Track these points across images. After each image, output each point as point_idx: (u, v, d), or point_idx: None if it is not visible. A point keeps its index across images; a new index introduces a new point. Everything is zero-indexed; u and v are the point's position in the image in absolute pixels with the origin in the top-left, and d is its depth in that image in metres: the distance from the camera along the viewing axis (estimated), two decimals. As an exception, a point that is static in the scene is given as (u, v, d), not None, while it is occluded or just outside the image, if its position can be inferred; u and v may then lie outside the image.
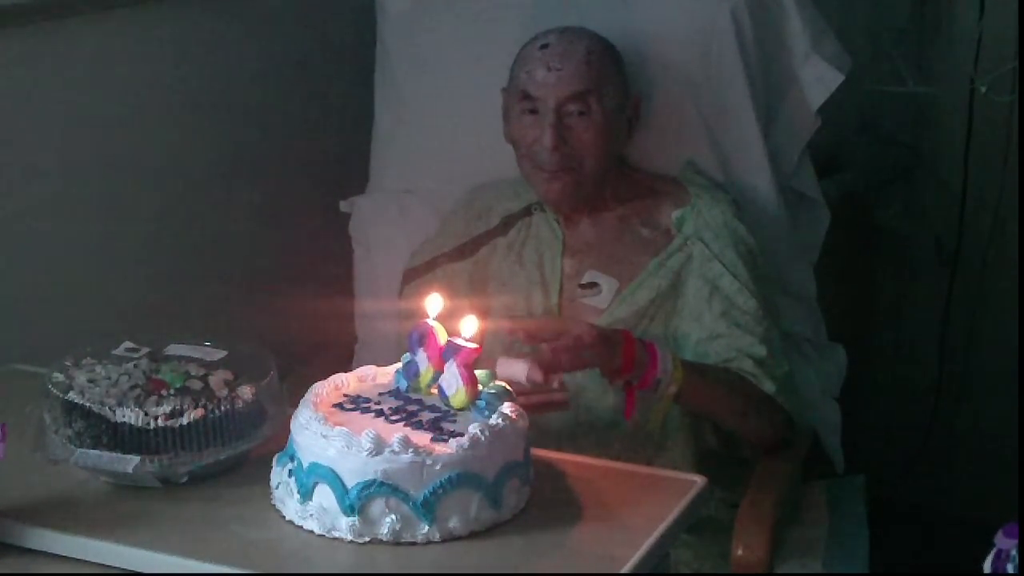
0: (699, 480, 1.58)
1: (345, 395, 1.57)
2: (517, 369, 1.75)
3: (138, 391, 1.56)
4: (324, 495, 1.43)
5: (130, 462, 1.52)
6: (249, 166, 2.46)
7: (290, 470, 1.48)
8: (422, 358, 1.57)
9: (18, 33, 1.98)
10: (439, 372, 1.55)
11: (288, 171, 2.55)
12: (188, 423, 1.53)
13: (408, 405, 1.54)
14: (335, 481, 1.42)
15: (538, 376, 1.75)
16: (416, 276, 2.27)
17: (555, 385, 1.78)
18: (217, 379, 1.60)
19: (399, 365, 1.60)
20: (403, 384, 1.58)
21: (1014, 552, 1.16)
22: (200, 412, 1.54)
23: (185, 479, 1.55)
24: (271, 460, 1.53)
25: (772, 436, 2.06)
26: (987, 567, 1.18)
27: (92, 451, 1.53)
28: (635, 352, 1.86)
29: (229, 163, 2.41)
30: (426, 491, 1.41)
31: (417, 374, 1.57)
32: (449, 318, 1.59)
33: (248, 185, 2.47)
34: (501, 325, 1.84)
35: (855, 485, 2.31)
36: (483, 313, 1.77)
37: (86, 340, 1.69)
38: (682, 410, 2.01)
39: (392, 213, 2.45)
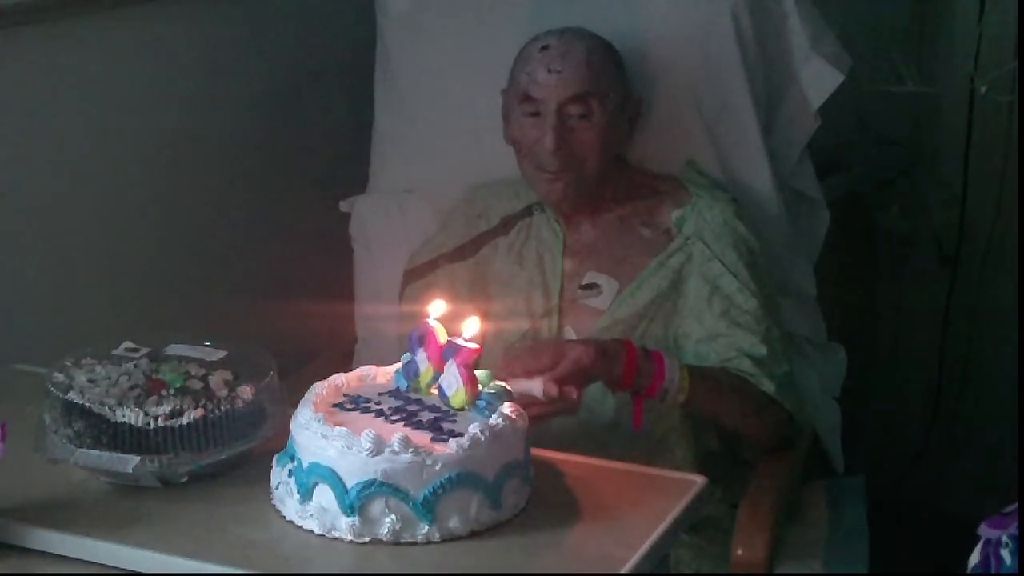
0: (699, 480, 1.58)
1: (345, 395, 1.57)
2: (532, 384, 1.75)
3: (138, 391, 1.56)
4: (324, 495, 1.43)
5: (130, 462, 1.51)
6: (249, 166, 2.46)
7: (290, 470, 1.48)
8: (422, 358, 1.57)
9: (19, 33, 1.98)
10: (439, 372, 1.54)
11: (288, 171, 2.55)
12: (188, 423, 1.53)
13: (408, 405, 1.54)
14: (335, 481, 1.42)
15: (554, 390, 1.74)
16: (417, 277, 2.27)
17: (573, 396, 1.78)
18: (217, 379, 1.59)
19: (399, 365, 1.60)
20: (403, 384, 1.58)
21: (1005, 538, 1.16)
22: (200, 412, 1.53)
23: (185, 479, 1.54)
24: (271, 460, 1.53)
25: (772, 436, 2.06)
26: (974, 558, 1.18)
27: (92, 451, 1.53)
28: (637, 361, 1.86)
29: (229, 163, 2.41)
30: (426, 491, 1.41)
31: (417, 374, 1.57)
32: (450, 319, 1.59)
33: (248, 185, 2.47)
34: (498, 365, 1.78)
35: (855, 485, 2.31)
36: (483, 314, 1.76)
37: (86, 340, 1.69)
38: (682, 412, 2.01)
39: (392, 213, 2.45)
